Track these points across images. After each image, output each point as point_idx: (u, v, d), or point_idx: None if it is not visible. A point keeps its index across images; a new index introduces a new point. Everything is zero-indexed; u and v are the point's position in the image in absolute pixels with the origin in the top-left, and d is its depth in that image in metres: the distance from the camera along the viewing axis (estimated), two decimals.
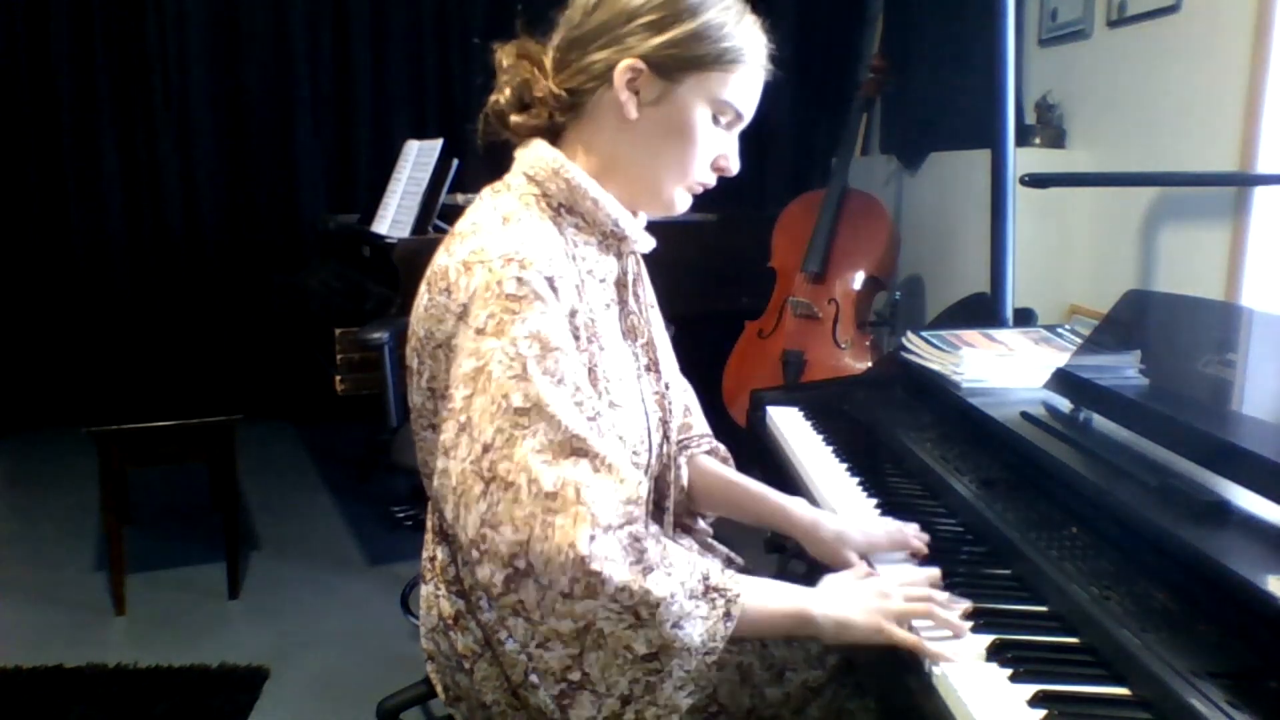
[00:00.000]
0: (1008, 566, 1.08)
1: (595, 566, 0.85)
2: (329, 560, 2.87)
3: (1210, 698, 0.75)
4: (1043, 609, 0.99)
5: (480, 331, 0.91)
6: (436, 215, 2.95)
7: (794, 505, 1.22)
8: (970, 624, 0.94)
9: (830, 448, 1.58)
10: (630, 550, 0.88)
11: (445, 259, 0.99)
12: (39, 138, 3.87)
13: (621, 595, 0.86)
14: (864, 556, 1.14)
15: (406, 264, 2.75)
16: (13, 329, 3.95)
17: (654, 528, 0.97)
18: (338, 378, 2.72)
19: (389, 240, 2.91)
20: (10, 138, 3.83)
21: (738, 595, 0.92)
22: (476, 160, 3.92)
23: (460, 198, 3.27)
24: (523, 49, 1.05)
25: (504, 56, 1.06)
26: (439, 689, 1.13)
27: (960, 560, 1.12)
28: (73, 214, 3.94)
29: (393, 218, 3.05)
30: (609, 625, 0.88)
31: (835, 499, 1.35)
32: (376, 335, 2.21)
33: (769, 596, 0.95)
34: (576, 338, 0.96)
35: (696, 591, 0.91)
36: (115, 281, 4.02)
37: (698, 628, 0.90)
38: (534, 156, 1.03)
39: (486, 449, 0.88)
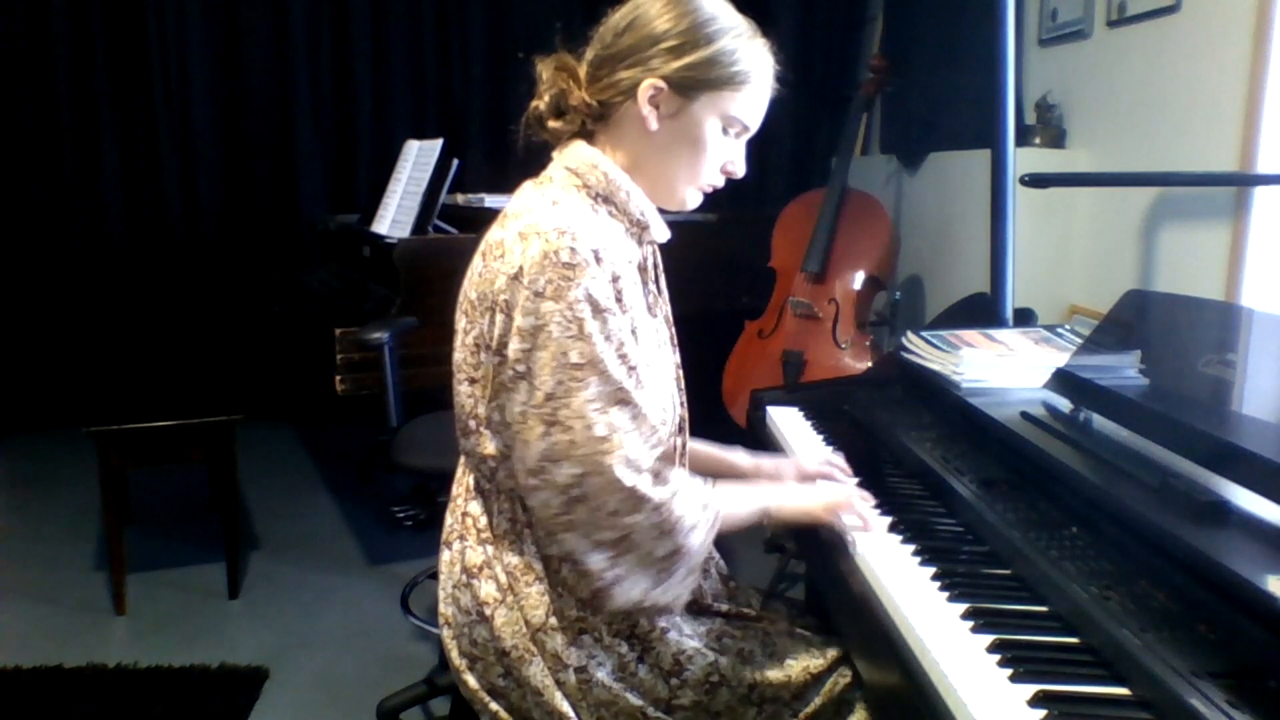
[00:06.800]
0: (1008, 566, 1.09)
1: (640, 492, 1.06)
2: (329, 560, 2.87)
3: (1210, 698, 0.75)
4: (1043, 609, 0.99)
5: (539, 294, 1.05)
6: (436, 215, 2.95)
7: (735, 455, 1.44)
8: (879, 513, 1.26)
9: (830, 448, 1.58)
10: (658, 478, 1.08)
11: (500, 233, 1.14)
12: (39, 138, 3.86)
13: (656, 513, 1.07)
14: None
15: (407, 264, 2.74)
16: (13, 329, 3.95)
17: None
18: (338, 378, 2.72)
19: (389, 240, 2.90)
20: (10, 138, 3.83)
21: (719, 508, 1.15)
22: (477, 160, 3.95)
23: (460, 198, 3.26)
24: (561, 62, 1.19)
25: (544, 69, 1.19)
26: (453, 654, 1.20)
27: (960, 560, 1.13)
28: (73, 214, 3.94)
29: (393, 218, 3.05)
30: (640, 535, 1.08)
31: None
32: (376, 335, 2.21)
33: (735, 504, 1.20)
34: (619, 301, 1.09)
35: (698, 506, 1.12)
36: (115, 281, 4.01)
37: (699, 537, 1.12)
38: (575, 154, 1.18)
39: (549, 397, 1.05)
